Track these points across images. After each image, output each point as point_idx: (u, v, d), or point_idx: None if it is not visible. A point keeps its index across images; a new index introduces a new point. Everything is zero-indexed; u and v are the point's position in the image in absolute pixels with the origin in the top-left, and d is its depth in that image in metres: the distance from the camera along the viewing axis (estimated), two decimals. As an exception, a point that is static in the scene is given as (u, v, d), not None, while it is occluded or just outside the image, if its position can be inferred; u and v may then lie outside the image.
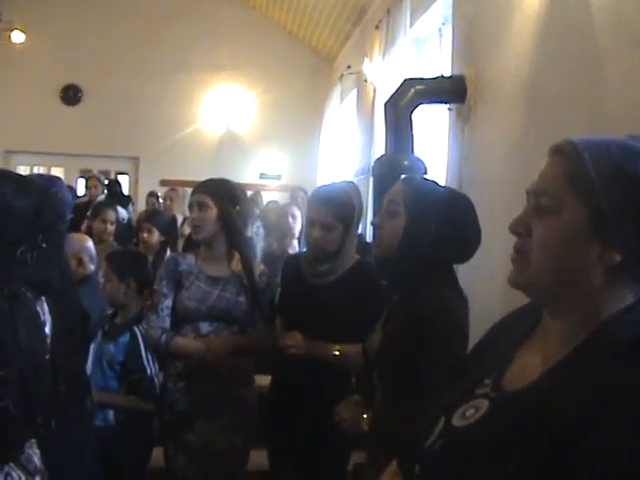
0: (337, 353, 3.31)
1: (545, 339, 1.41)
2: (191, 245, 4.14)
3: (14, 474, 2.23)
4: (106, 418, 3.80)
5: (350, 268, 3.47)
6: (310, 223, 3.47)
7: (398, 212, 2.52)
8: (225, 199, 3.65)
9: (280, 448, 3.61)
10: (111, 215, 6.16)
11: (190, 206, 3.75)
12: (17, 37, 11.77)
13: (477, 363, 1.56)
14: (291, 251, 6.21)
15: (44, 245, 2.32)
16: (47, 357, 2.40)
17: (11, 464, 2.24)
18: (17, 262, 2.26)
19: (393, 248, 2.52)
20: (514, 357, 1.45)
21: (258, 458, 3.85)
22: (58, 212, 2.45)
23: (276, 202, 9.73)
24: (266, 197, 10.67)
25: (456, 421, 1.41)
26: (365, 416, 2.61)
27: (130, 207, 9.92)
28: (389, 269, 2.60)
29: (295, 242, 6.53)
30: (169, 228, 6.50)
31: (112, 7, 12.79)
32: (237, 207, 3.70)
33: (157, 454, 3.93)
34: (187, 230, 6.32)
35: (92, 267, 4.26)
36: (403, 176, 2.84)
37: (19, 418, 2.23)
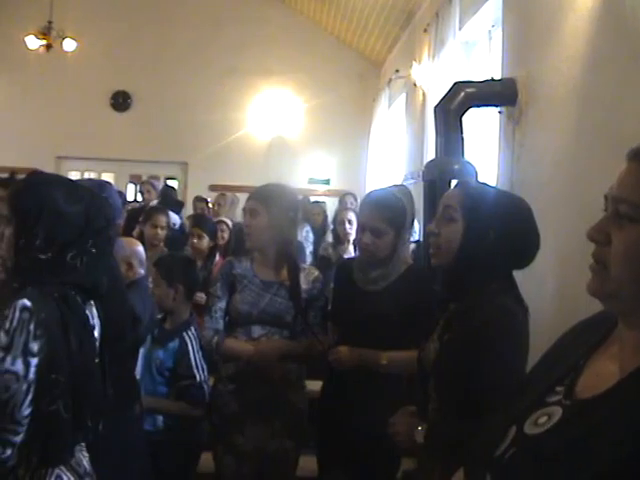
0: (385, 362, 3.28)
1: (621, 348, 1.36)
2: (240, 250, 4.13)
3: (64, 477, 2.25)
4: (155, 423, 3.82)
5: (403, 274, 3.45)
6: (361, 228, 3.46)
7: (455, 217, 2.47)
8: (277, 206, 3.64)
9: (329, 454, 3.59)
10: (162, 220, 6.18)
11: (244, 213, 3.76)
12: (69, 45, 11.93)
13: (547, 371, 1.51)
14: (347, 256, 6.22)
15: (93, 250, 2.34)
16: (96, 361, 2.41)
17: (62, 467, 2.26)
18: (67, 267, 2.28)
19: (452, 255, 2.47)
20: (586, 365, 1.42)
21: (307, 463, 3.85)
22: (108, 217, 2.46)
23: (321, 204, 9.72)
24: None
25: (528, 429, 1.37)
26: (420, 428, 2.51)
27: (183, 212, 9.98)
28: (448, 277, 2.55)
29: (351, 247, 6.54)
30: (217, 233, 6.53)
31: (162, 14, 12.93)
32: (291, 214, 3.68)
33: (205, 458, 3.94)
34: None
35: (142, 271, 4.29)
36: (458, 181, 2.78)
37: (69, 421, 2.25)
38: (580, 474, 1.19)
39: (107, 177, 12.63)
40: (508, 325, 2.32)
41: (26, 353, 2.10)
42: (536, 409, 1.39)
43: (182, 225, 8.55)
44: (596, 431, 1.23)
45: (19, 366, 2.09)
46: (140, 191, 10.45)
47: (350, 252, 6.57)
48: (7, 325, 2.11)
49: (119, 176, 13.08)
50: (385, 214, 3.34)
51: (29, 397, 2.12)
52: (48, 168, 10.66)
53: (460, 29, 6.90)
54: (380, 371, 3.29)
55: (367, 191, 5.02)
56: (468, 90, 5.26)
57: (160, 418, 3.83)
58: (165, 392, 3.86)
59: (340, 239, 6.82)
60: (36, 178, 2.38)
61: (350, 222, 6.63)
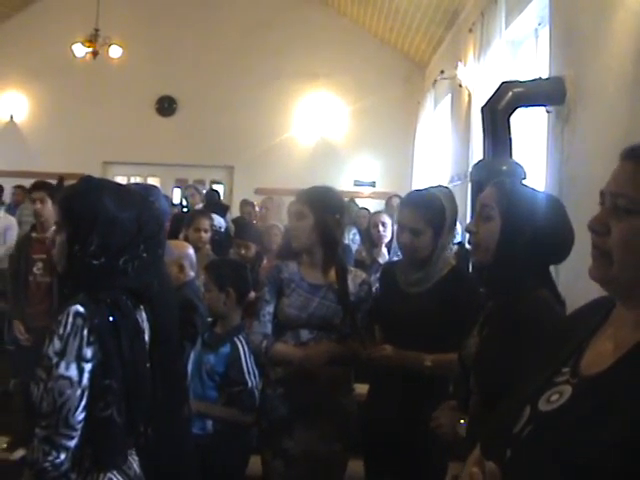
0: (429, 364, 3.26)
1: (617, 327, 1.50)
2: (288, 253, 4.12)
3: (116, 481, 2.26)
4: (204, 427, 3.81)
5: (445, 275, 3.42)
6: (400, 228, 3.45)
7: (492, 216, 2.51)
8: (323, 208, 3.63)
9: (377, 458, 3.57)
10: (205, 223, 6.20)
11: (289, 215, 3.76)
12: (114, 52, 12.09)
13: (553, 355, 1.63)
14: (381, 260, 6.17)
15: (144, 254, 2.34)
16: (147, 365, 2.42)
17: (114, 471, 2.26)
18: (119, 272, 2.29)
19: (490, 252, 2.51)
20: (589, 345, 1.54)
21: (355, 467, 3.82)
22: (159, 222, 2.47)
23: (366, 209, 9.70)
24: (360, 204, 10.66)
25: (542, 406, 1.49)
26: (462, 422, 2.58)
27: (228, 216, 10.01)
28: (488, 274, 2.58)
29: (384, 250, 6.49)
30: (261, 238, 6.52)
31: (205, 19, 13.03)
32: (337, 216, 3.67)
33: (254, 462, 3.94)
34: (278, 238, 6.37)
35: (192, 273, 4.34)
36: (493, 180, 2.81)
37: (122, 426, 2.26)
38: (595, 443, 1.31)
39: (153, 181, 12.76)
40: (546, 319, 2.31)
41: (80, 358, 2.11)
42: (547, 389, 1.51)
43: (227, 228, 8.58)
44: (606, 403, 1.36)
45: (73, 371, 2.10)
46: (184, 195, 10.50)
47: (384, 255, 6.51)
48: (61, 331, 2.12)
49: (165, 180, 13.19)
50: (423, 214, 3.34)
51: (83, 402, 2.13)
52: (95, 173, 10.66)
53: (506, 28, 6.85)
54: (424, 373, 3.27)
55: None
56: (515, 90, 5.22)
57: (209, 422, 3.83)
58: (215, 396, 3.85)
59: (374, 242, 6.75)
60: (88, 184, 2.38)
61: (384, 225, 6.56)
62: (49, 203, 5.68)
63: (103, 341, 2.17)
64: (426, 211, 3.34)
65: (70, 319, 2.13)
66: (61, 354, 2.11)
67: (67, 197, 2.35)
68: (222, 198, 12.98)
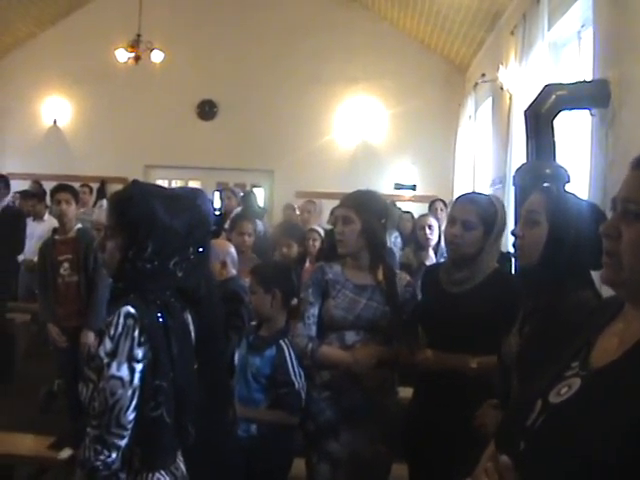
0: (474, 366, 3.26)
1: (625, 324, 1.58)
2: (332, 255, 4.13)
3: (163, 481, 2.28)
4: (248, 429, 3.82)
5: (489, 276, 3.41)
6: (451, 220, 3.45)
7: (539, 221, 2.60)
8: (369, 213, 3.64)
9: (421, 462, 3.56)
10: (248, 227, 6.25)
11: (335, 219, 3.76)
12: (156, 56, 12.18)
13: (562, 351, 1.72)
14: (428, 262, 6.15)
15: (192, 257, 2.37)
16: (195, 366, 2.45)
17: (162, 471, 2.29)
18: (169, 274, 2.32)
19: (535, 256, 2.58)
20: (596, 341, 1.63)
21: (398, 471, 3.81)
22: (206, 226, 2.50)
23: (410, 213, 9.69)
24: (401, 208, 10.66)
25: (553, 399, 1.55)
26: None
27: (265, 219, 10.01)
28: (532, 277, 2.65)
29: (432, 253, 6.47)
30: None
31: (246, 23, 13.09)
32: (382, 220, 3.69)
33: (297, 464, 3.94)
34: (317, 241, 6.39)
35: (234, 271, 4.38)
36: (539, 187, 2.87)
37: (172, 426, 2.29)
38: (604, 433, 1.36)
39: (194, 185, 12.81)
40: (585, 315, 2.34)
41: (131, 359, 2.15)
42: (557, 382, 1.59)
43: (265, 232, 8.59)
44: (614, 393, 1.43)
45: (124, 372, 2.14)
46: (221, 198, 10.54)
47: (431, 258, 6.49)
48: (112, 331, 2.16)
49: (206, 184, 13.17)
50: (477, 209, 3.37)
51: (134, 402, 2.16)
52: (137, 177, 10.81)
53: (548, 30, 6.78)
54: (469, 375, 3.26)
55: (454, 197, 4.98)
56: (559, 93, 5.18)
57: (253, 425, 3.83)
58: (261, 399, 3.85)
59: (420, 245, 6.72)
60: (140, 189, 2.40)
61: (430, 227, 6.54)
62: (73, 205, 5.80)
63: (153, 341, 2.20)
64: (480, 208, 3.38)
65: (121, 320, 2.16)
66: (112, 354, 2.14)
67: (121, 203, 2.38)
68: (263, 202, 13.05)
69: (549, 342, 2.33)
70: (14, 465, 4.67)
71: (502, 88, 8.74)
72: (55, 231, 6.04)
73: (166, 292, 2.34)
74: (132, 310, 2.17)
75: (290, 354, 3.83)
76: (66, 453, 3.96)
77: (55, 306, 5.79)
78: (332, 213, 9.58)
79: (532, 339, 2.55)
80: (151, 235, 2.28)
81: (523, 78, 7.49)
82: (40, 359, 8.26)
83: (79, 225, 6.08)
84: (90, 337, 5.50)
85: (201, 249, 2.42)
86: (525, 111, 5.39)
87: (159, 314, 2.25)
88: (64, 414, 5.82)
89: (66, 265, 5.78)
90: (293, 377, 3.80)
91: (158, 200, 2.33)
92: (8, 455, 4.41)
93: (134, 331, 2.15)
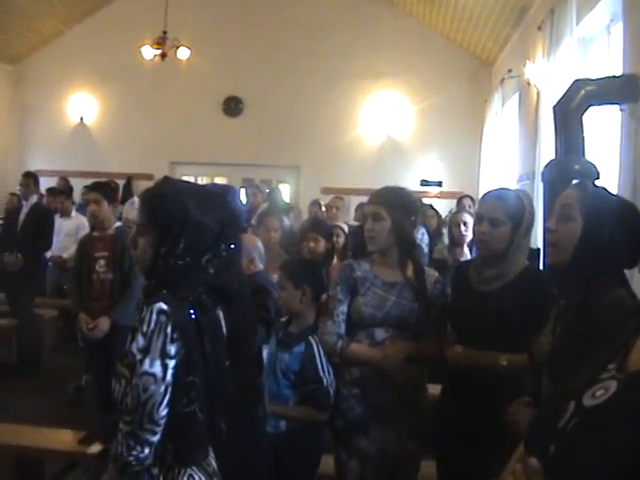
0: (505, 363, 3.24)
1: None
2: (360, 252, 4.12)
3: (196, 477, 2.30)
4: (277, 425, 3.82)
5: (519, 274, 3.39)
6: (479, 218, 3.44)
7: (573, 216, 2.54)
8: (399, 210, 3.63)
9: (450, 461, 3.54)
10: (275, 223, 6.25)
11: (365, 216, 3.75)
12: (183, 53, 12.24)
13: (600, 352, 1.66)
14: (463, 259, 6.13)
15: (224, 253, 2.37)
16: (227, 363, 2.45)
17: (194, 467, 2.30)
18: (201, 270, 2.32)
19: (569, 252, 2.53)
20: (635, 343, 1.56)
21: (427, 468, 3.80)
22: (237, 222, 2.50)
23: (433, 208, 9.62)
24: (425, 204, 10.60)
25: (587, 401, 1.50)
26: None
27: (291, 215, 10.01)
28: (564, 273, 2.60)
29: (466, 249, 6.45)
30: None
31: (271, 20, 13.12)
32: (412, 217, 3.67)
33: (326, 460, 3.94)
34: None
35: (261, 266, 4.43)
36: (575, 182, 2.83)
37: (204, 422, 2.30)
38: (637, 438, 1.32)
39: (220, 181, 12.85)
40: (619, 314, 2.31)
41: (164, 355, 2.15)
42: (591, 385, 1.53)
43: (291, 227, 8.59)
44: None
45: (157, 368, 2.14)
46: (247, 195, 10.55)
47: (466, 254, 6.47)
48: (145, 328, 2.16)
49: (232, 180, 13.19)
50: (504, 206, 3.35)
51: (166, 398, 2.17)
52: (163, 173, 10.86)
53: (577, 25, 6.73)
54: (500, 372, 3.25)
55: (480, 193, 4.95)
56: (588, 88, 5.15)
57: (282, 421, 3.84)
58: (290, 395, 3.85)
59: (455, 241, 6.72)
60: (171, 186, 2.40)
61: (465, 224, 6.51)
62: (105, 204, 5.82)
63: (186, 338, 2.20)
64: (506, 204, 3.35)
65: (154, 316, 2.17)
66: (145, 351, 2.15)
67: (153, 200, 2.38)
68: (289, 198, 13.05)
69: (582, 342, 2.32)
70: (44, 459, 4.70)
71: (529, 83, 8.69)
72: (94, 227, 6.08)
73: (198, 289, 2.34)
74: (164, 307, 2.18)
75: (319, 350, 3.82)
76: (96, 448, 3.98)
77: (89, 302, 5.82)
78: (357, 209, 9.62)
79: (565, 338, 2.52)
80: (183, 232, 2.28)
81: (551, 73, 7.45)
82: (66, 355, 8.35)
83: (118, 223, 6.11)
84: (106, 325, 5.62)
85: (232, 245, 2.42)
86: (554, 107, 5.36)
87: (191, 311, 2.26)
88: (91, 409, 5.86)
89: (102, 262, 5.81)
90: (321, 373, 3.79)
91: (190, 197, 2.33)
92: (39, 449, 4.44)
93: (167, 327, 2.16)
